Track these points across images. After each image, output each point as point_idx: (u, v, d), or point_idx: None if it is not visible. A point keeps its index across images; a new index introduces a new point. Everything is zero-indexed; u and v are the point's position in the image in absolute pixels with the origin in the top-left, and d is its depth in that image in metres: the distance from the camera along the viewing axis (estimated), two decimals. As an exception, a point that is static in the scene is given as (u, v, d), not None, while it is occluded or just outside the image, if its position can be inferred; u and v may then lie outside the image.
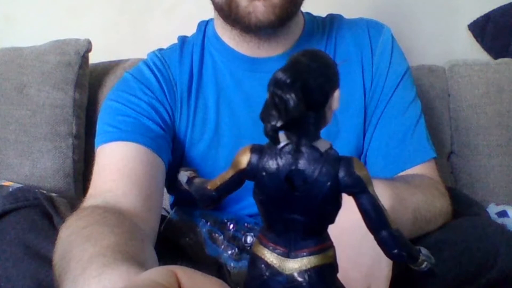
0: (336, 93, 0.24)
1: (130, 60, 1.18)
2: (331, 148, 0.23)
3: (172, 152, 0.76)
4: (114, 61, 1.21)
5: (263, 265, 0.24)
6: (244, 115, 0.77)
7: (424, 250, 0.26)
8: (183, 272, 0.24)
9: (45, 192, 0.67)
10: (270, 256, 0.24)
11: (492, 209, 1.03)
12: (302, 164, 0.23)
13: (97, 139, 0.71)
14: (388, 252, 0.23)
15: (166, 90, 0.75)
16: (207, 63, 0.79)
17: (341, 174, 0.22)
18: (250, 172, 0.25)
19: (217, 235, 0.72)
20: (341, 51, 0.80)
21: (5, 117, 1.09)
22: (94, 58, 1.17)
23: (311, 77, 0.23)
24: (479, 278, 0.56)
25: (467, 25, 1.34)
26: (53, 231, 0.56)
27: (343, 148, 0.71)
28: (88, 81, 1.16)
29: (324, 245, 0.24)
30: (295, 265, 0.24)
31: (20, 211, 0.61)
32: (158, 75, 0.76)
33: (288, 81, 0.22)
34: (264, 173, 0.24)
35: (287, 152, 0.24)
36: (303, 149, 0.23)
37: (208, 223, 0.74)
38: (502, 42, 1.30)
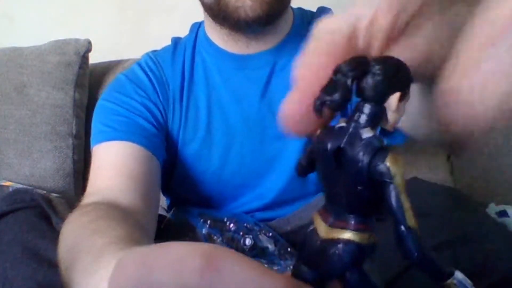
0: (395, 96, 0.26)
1: (130, 60, 1.18)
2: (374, 137, 0.26)
3: (166, 151, 0.76)
4: (114, 61, 1.21)
5: (311, 226, 0.28)
6: (234, 113, 0.78)
7: (460, 275, 0.26)
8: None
9: (43, 193, 0.68)
10: (318, 221, 0.28)
11: (492, 209, 1.02)
12: (346, 144, 0.26)
13: (92, 138, 0.72)
14: (400, 247, 0.25)
15: (158, 91, 0.76)
16: (198, 63, 0.80)
17: (373, 162, 0.25)
18: (316, 146, 0.28)
19: (215, 237, 0.72)
20: None
21: (5, 117, 1.09)
22: (94, 58, 1.17)
23: (370, 75, 0.26)
24: (480, 281, 0.55)
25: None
26: (52, 231, 0.57)
27: None
28: (88, 81, 1.16)
29: (362, 226, 0.27)
30: (332, 234, 0.27)
31: (18, 213, 0.61)
32: (151, 76, 0.77)
33: (343, 69, 0.26)
34: (321, 148, 0.28)
35: (340, 133, 0.27)
36: (351, 132, 0.27)
37: (207, 224, 0.74)
38: (503, 41, 1.29)
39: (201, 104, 0.78)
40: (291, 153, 0.77)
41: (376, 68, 0.26)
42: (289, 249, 0.74)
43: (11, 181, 1.06)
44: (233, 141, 0.77)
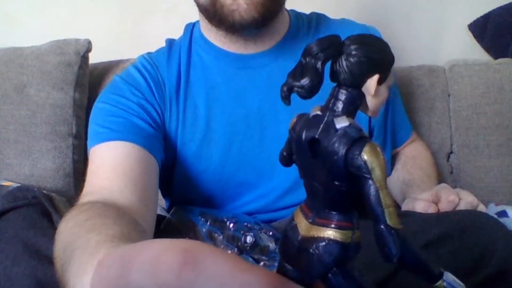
0: (373, 79, 0.24)
1: (130, 60, 1.18)
2: (349, 126, 0.23)
3: (164, 151, 0.76)
4: (114, 61, 1.21)
5: (293, 222, 0.26)
6: (236, 112, 0.78)
7: (450, 276, 0.25)
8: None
9: (44, 191, 0.67)
10: (300, 217, 0.26)
11: (492, 209, 1.02)
12: (321, 134, 0.24)
13: (89, 140, 0.72)
14: (379, 248, 0.23)
15: (154, 91, 0.77)
16: (195, 63, 0.80)
17: (349, 153, 0.23)
18: (293, 135, 0.26)
19: (216, 235, 0.72)
20: None
21: (5, 117, 1.08)
22: (94, 58, 1.17)
23: (344, 56, 0.23)
24: (476, 274, 0.56)
25: (467, 25, 1.34)
26: (52, 229, 0.56)
27: None
28: (88, 81, 1.16)
29: (343, 223, 0.24)
30: (312, 232, 0.24)
31: (19, 210, 0.61)
32: (147, 76, 0.78)
33: (312, 50, 0.23)
34: (296, 138, 0.25)
35: (314, 122, 0.25)
36: (326, 121, 0.24)
37: (208, 223, 0.74)
38: (502, 42, 1.29)
39: (200, 103, 0.78)
40: None
41: (351, 48, 0.23)
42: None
43: (11, 181, 1.06)
44: (233, 139, 0.78)
